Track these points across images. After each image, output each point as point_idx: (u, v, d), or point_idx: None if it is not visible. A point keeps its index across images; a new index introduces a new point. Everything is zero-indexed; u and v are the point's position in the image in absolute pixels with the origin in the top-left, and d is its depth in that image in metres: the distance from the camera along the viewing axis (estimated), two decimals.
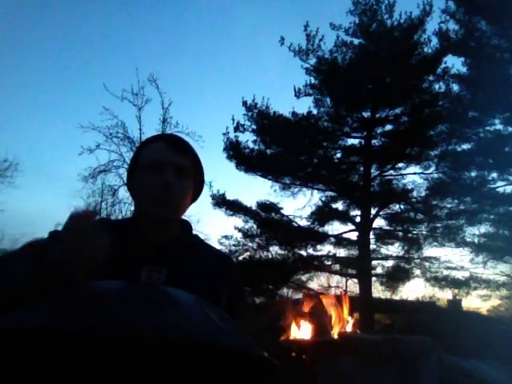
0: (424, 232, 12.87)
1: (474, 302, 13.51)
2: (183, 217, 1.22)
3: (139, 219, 1.16)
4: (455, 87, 12.30)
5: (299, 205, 13.53)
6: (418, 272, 12.93)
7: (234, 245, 13.40)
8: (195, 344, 0.57)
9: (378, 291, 13.51)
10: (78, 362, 0.60)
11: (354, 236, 13.17)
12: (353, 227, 13.20)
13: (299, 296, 11.99)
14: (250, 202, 13.23)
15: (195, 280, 1.07)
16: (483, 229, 12.49)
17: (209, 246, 1.31)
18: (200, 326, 0.59)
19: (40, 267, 0.79)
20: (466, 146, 12.42)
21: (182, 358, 0.61)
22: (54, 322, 0.55)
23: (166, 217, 1.11)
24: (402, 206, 13.12)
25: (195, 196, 1.24)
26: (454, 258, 12.73)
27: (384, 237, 13.14)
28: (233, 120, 12.87)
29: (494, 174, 12.32)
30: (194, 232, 1.26)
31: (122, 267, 0.99)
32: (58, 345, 0.58)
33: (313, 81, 12.94)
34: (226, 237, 13.40)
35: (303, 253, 13.15)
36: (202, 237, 1.35)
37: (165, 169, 1.10)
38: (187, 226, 1.23)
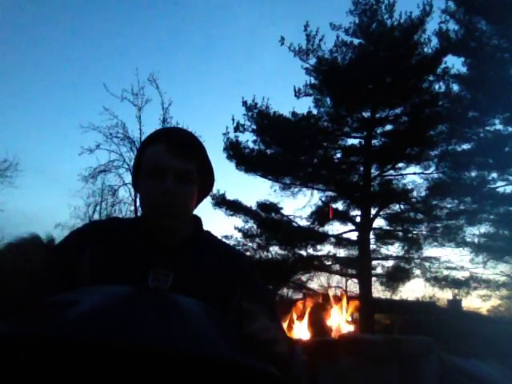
0: (424, 232, 12.86)
1: (474, 301, 13.51)
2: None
3: (146, 222, 1.11)
4: (455, 87, 12.28)
5: (299, 205, 13.54)
6: (418, 272, 12.93)
7: (233, 245, 13.40)
8: (199, 357, 0.56)
9: (378, 291, 13.52)
10: (75, 374, 0.58)
11: (354, 236, 13.18)
12: (353, 227, 13.20)
13: (299, 296, 12.00)
14: (250, 202, 13.24)
15: (204, 282, 1.04)
16: (483, 229, 12.49)
17: (220, 242, 1.24)
18: (204, 338, 0.57)
19: None
20: (466, 146, 12.41)
21: (186, 371, 0.59)
22: (51, 330, 0.53)
23: (168, 226, 1.07)
24: (402, 206, 13.11)
25: (201, 198, 1.18)
26: (454, 257, 12.75)
27: (384, 237, 13.13)
28: (233, 120, 12.88)
29: (494, 174, 12.31)
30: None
31: (130, 269, 0.99)
32: (57, 355, 0.56)
33: (313, 81, 12.95)
34: (226, 237, 13.39)
35: (303, 253, 13.15)
36: None
37: (165, 175, 1.04)
38: (198, 222, 1.18)
